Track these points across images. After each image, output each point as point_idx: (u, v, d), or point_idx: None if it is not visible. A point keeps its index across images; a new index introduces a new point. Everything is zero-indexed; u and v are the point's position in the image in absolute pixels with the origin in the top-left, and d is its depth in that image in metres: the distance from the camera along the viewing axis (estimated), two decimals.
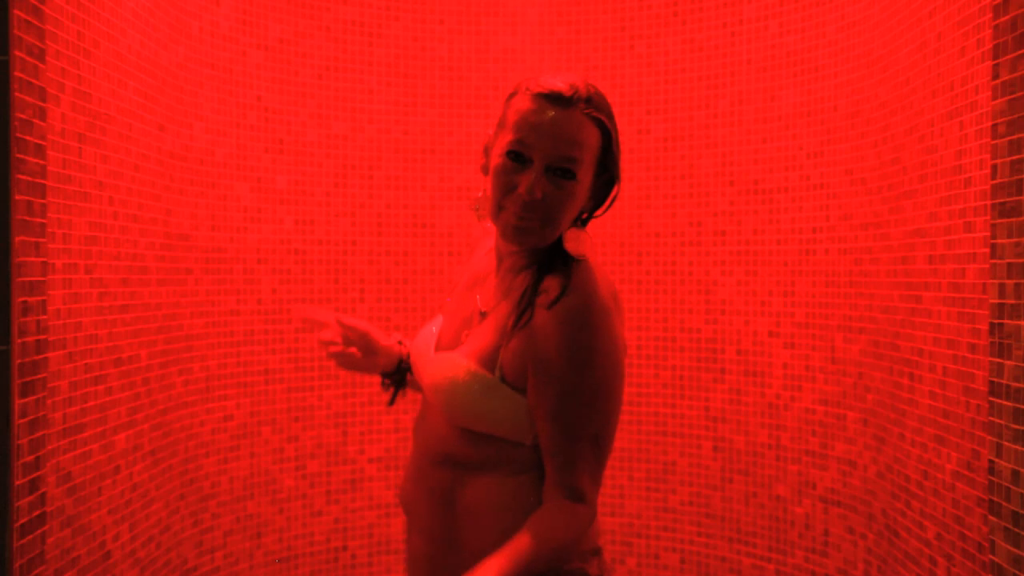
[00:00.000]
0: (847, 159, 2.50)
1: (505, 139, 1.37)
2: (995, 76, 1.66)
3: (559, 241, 1.40)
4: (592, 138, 1.36)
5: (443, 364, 1.42)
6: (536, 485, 1.38)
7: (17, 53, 1.59)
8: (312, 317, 1.66)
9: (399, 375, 1.65)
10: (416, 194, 2.96)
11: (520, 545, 1.26)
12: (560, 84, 1.34)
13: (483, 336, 1.40)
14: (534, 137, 1.33)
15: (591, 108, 1.35)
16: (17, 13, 1.59)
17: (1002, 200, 1.63)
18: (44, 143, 1.70)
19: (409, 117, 2.95)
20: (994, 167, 1.67)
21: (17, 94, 1.60)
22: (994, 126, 1.67)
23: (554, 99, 1.34)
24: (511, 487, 1.38)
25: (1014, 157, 1.59)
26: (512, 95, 1.40)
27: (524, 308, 1.35)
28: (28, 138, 1.64)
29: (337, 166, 2.86)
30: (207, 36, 2.55)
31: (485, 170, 1.44)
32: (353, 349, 1.61)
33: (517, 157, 1.35)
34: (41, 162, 1.69)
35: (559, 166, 1.33)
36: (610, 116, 1.38)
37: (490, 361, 1.37)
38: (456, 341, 1.47)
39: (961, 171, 1.83)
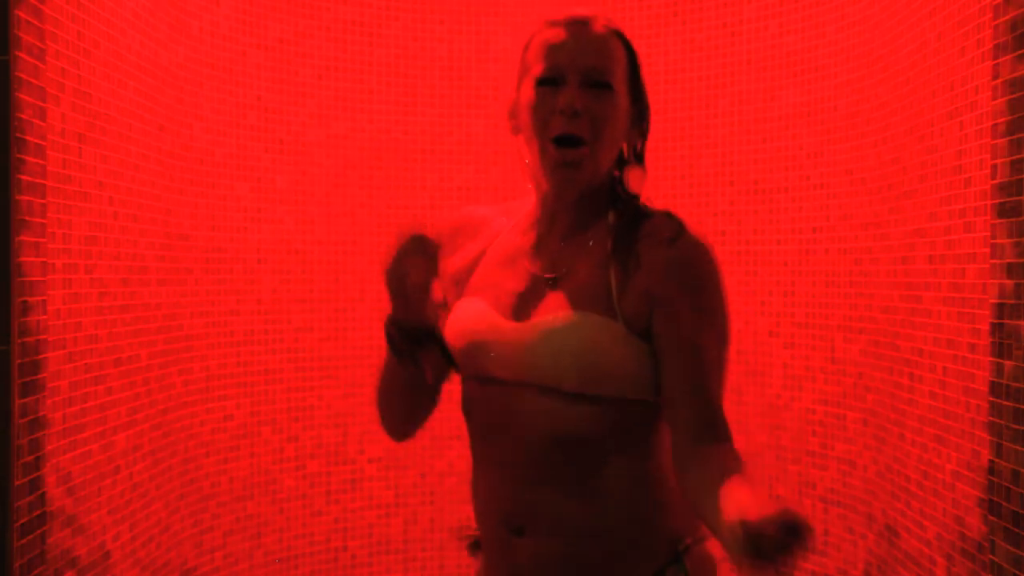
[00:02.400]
0: (847, 159, 2.50)
1: (532, 73, 1.32)
2: (995, 76, 1.66)
3: (621, 192, 1.35)
4: (619, 51, 1.33)
5: (548, 322, 1.27)
6: (662, 456, 1.31)
7: (17, 53, 1.59)
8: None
9: (436, 340, 1.30)
10: (416, 194, 2.96)
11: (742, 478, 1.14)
12: (576, 10, 1.33)
13: (570, 296, 1.29)
14: (563, 56, 1.29)
15: (611, 24, 1.34)
16: (17, 13, 1.59)
17: (1002, 200, 1.63)
18: (44, 143, 1.70)
19: (409, 117, 2.95)
20: (994, 167, 1.67)
21: (17, 94, 1.60)
22: (994, 126, 1.67)
23: (574, 21, 1.32)
24: (646, 462, 1.30)
25: (1014, 157, 1.60)
26: (528, 41, 1.36)
27: (628, 254, 1.28)
28: (28, 138, 1.64)
29: (337, 166, 2.86)
30: (207, 36, 2.55)
31: (516, 129, 1.37)
32: (420, 266, 1.27)
33: (549, 81, 1.30)
34: (41, 162, 1.69)
35: (594, 78, 1.29)
36: (628, 39, 1.36)
37: (605, 310, 1.25)
38: (525, 310, 1.31)
39: (961, 171, 1.83)
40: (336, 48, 2.84)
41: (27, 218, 1.64)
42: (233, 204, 2.65)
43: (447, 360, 1.34)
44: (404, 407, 1.43)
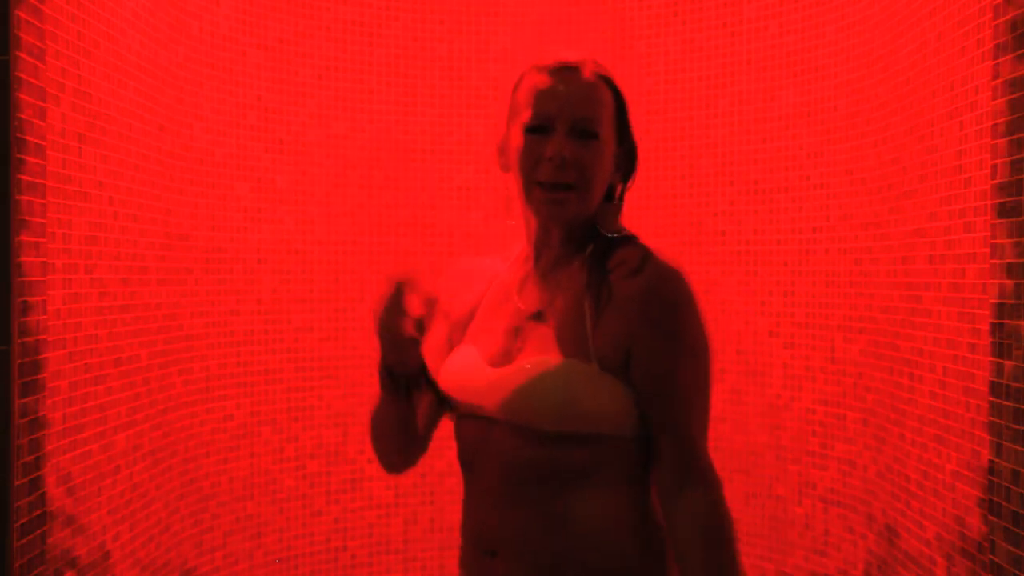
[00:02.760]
0: (847, 159, 2.50)
1: (522, 119, 1.36)
2: (995, 76, 1.66)
3: (601, 225, 1.38)
4: (606, 97, 1.36)
5: (525, 368, 1.32)
6: (643, 489, 1.34)
7: (17, 53, 1.59)
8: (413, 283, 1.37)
9: (420, 377, 1.42)
10: (416, 194, 2.96)
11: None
12: (565, 56, 1.36)
13: (548, 335, 1.33)
14: (551, 104, 1.33)
15: (600, 70, 1.37)
16: (17, 13, 1.59)
17: (1002, 200, 1.63)
18: (44, 143, 1.70)
19: (409, 117, 2.95)
20: (994, 167, 1.67)
21: (17, 94, 1.60)
22: (994, 126, 1.67)
23: (563, 68, 1.35)
24: (622, 495, 1.32)
25: (1014, 157, 1.60)
26: (517, 83, 1.40)
27: (601, 287, 1.31)
28: (28, 138, 1.64)
29: (337, 166, 2.86)
30: (207, 36, 2.55)
31: (505, 167, 1.42)
32: (410, 325, 1.37)
33: (538, 129, 1.34)
34: (41, 162, 1.69)
35: (581, 127, 1.33)
36: (616, 83, 1.39)
37: (579, 351, 1.29)
38: (509, 353, 1.37)
39: (961, 171, 1.83)
40: (336, 48, 2.84)
41: (27, 218, 1.64)
42: (233, 204, 2.65)
43: (439, 400, 1.45)
44: (395, 443, 1.52)
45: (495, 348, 1.39)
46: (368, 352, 2.86)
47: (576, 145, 1.33)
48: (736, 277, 2.79)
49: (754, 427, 2.75)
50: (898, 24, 2.19)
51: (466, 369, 1.41)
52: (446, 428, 1.50)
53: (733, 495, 2.91)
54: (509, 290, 1.44)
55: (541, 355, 1.31)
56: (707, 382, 1.32)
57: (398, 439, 1.51)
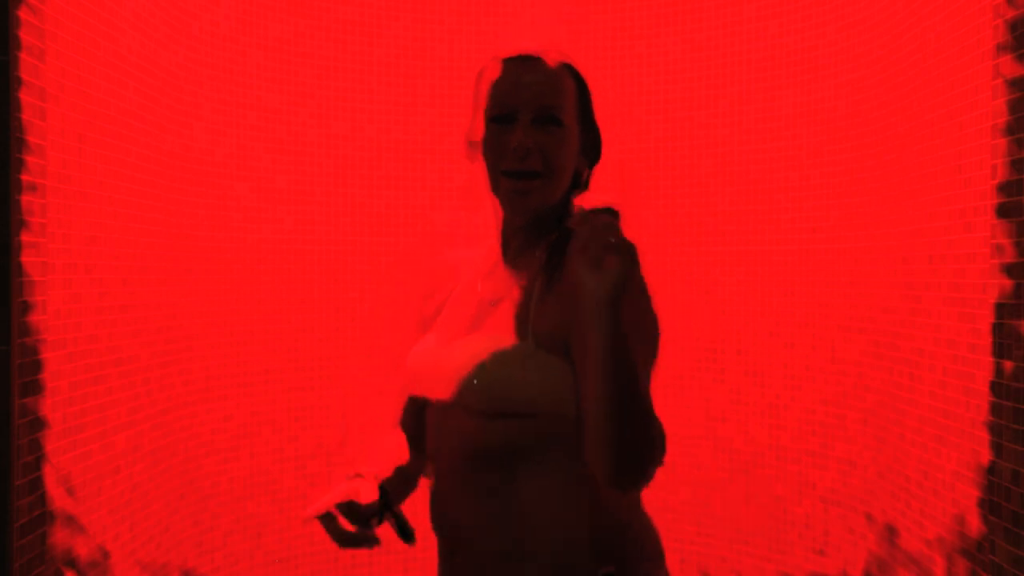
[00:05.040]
0: (847, 159, 2.50)
1: (485, 110, 1.36)
2: (995, 76, 1.67)
3: (569, 215, 1.38)
4: (568, 85, 1.37)
5: (463, 349, 1.34)
6: (589, 475, 1.31)
7: (17, 53, 1.59)
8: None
9: (384, 500, 1.51)
10: (416, 194, 2.96)
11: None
12: (524, 46, 1.37)
13: (500, 317, 1.34)
14: (513, 94, 1.34)
15: (562, 58, 1.37)
16: (17, 13, 1.59)
17: (1002, 200, 1.63)
18: (44, 143, 1.70)
19: (409, 117, 2.95)
20: (994, 167, 1.67)
21: (17, 94, 1.60)
22: (994, 126, 1.67)
23: (523, 57, 1.36)
24: (571, 479, 1.30)
25: (1014, 157, 1.60)
26: (479, 75, 1.40)
27: (555, 268, 1.31)
28: (28, 138, 1.64)
29: (337, 166, 2.86)
30: (207, 36, 2.55)
31: (471, 158, 1.42)
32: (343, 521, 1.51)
33: (501, 119, 1.34)
34: (41, 162, 1.69)
35: (544, 115, 1.33)
36: (579, 71, 1.40)
37: (519, 330, 1.30)
38: (460, 339, 1.40)
39: (961, 171, 1.83)
40: (336, 48, 2.84)
41: (27, 218, 1.64)
42: (233, 204, 2.65)
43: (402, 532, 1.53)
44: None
45: (450, 333, 1.40)
46: (367, 351, 2.85)
47: (540, 133, 1.33)
48: (736, 277, 2.79)
49: (754, 427, 2.75)
50: (898, 24, 2.19)
51: (422, 355, 1.43)
52: None
53: (733, 495, 2.93)
54: (475, 281, 1.44)
55: (484, 337, 1.32)
56: (649, 361, 1.27)
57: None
